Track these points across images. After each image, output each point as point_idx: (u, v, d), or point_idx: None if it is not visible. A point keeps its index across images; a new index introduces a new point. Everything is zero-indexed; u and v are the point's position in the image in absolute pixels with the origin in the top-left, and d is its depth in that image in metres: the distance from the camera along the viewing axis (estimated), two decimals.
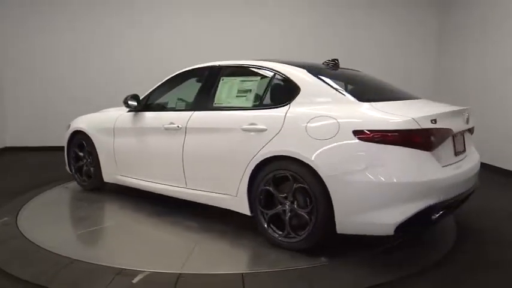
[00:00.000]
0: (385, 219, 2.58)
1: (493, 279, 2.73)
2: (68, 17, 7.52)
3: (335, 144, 2.72)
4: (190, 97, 3.89)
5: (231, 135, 3.26)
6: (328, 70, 3.50)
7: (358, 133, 2.65)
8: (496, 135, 6.09)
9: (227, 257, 3.00)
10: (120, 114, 4.33)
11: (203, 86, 3.76)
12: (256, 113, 3.22)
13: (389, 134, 2.58)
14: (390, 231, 2.57)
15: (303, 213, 2.88)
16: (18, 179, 5.43)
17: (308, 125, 2.86)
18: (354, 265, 2.80)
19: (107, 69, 7.64)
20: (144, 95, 4.20)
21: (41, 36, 7.52)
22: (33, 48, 7.54)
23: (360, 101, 2.89)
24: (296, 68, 3.27)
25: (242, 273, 2.65)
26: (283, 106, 3.08)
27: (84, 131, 4.60)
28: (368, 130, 2.62)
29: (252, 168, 3.10)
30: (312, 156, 2.77)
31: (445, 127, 2.78)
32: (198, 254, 3.01)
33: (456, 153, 3.00)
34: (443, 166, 2.75)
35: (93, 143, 4.52)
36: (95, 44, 7.62)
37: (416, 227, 2.78)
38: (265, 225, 3.09)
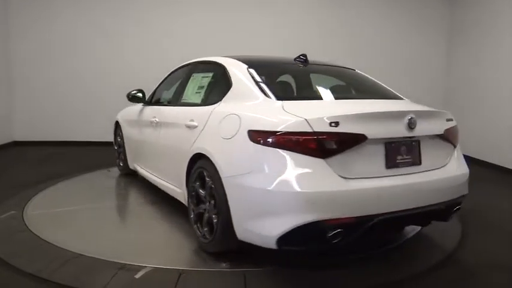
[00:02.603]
0: (266, 230, 2.36)
1: (497, 281, 2.71)
2: (76, 13, 7.54)
3: (233, 144, 2.60)
4: (173, 93, 4.12)
5: (180, 131, 3.36)
6: (287, 66, 3.45)
7: (250, 133, 2.48)
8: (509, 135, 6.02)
9: (229, 254, 3.00)
10: (137, 108, 4.64)
11: (180, 83, 3.93)
12: (197, 109, 3.29)
13: (276, 136, 2.34)
14: (272, 244, 2.35)
15: (212, 214, 2.77)
16: (25, 173, 5.48)
17: (220, 123, 2.82)
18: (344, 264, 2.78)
19: (116, 64, 7.65)
20: (152, 90, 4.52)
21: (48, 32, 7.55)
22: (40, 44, 7.57)
23: (277, 99, 2.69)
24: (238, 63, 3.19)
25: (244, 271, 2.64)
26: (216, 103, 3.07)
27: (119, 122, 5.16)
28: (258, 131, 2.44)
29: (187, 164, 3.11)
30: (216, 156, 2.71)
31: (350, 131, 2.34)
32: (200, 251, 3.01)
33: (391, 165, 2.50)
34: (350, 178, 2.33)
35: (122, 132, 5.05)
36: (102, 39, 7.63)
37: (308, 244, 2.43)
38: (193, 222, 3.07)
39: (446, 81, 7.84)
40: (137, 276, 2.55)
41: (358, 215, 2.31)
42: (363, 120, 2.42)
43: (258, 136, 2.43)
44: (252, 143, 2.45)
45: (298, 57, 3.40)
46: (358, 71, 3.71)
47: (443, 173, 2.72)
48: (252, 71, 3.04)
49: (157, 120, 3.91)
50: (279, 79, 3.30)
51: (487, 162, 6.39)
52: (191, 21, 7.59)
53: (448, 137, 2.82)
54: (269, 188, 2.31)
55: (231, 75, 3.12)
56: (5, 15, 7.38)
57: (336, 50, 7.56)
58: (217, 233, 2.72)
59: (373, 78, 3.55)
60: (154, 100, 4.42)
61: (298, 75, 3.53)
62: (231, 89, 3.03)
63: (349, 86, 3.48)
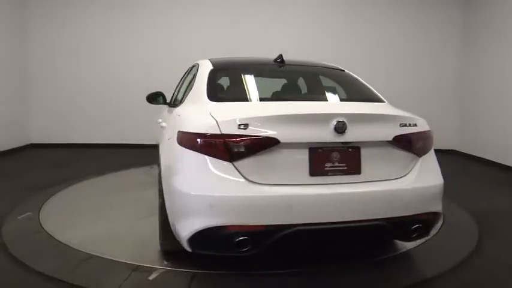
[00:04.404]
0: (180, 231, 2.34)
1: None
2: (89, 15, 7.66)
3: (170, 145, 2.62)
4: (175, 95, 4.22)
5: (160, 131, 3.46)
6: (258, 68, 3.40)
7: (178, 135, 2.49)
8: None
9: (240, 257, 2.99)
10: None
11: (181, 84, 4.02)
12: (170, 110, 3.40)
13: (190, 138, 2.33)
14: (186, 246, 2.33)
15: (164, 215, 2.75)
16: (41, 175, 5.56)
17: (171, 123, 2.89)
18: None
19: (130, 66, 7.72)
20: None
21: (63, 35, 7.69)
22: (55, 47, 7.70)
23: (216, 101, 2.63)
24: (207, 65, 3.14)
25: (258, 274, 2.63)
26: (181, 104, 3.13)
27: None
28: (182, 132, 2.45)
29: (160, 162, 3.18)
30: (161, 156, 2.82)
31: (259, 134, 2.21)
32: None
33: (317, 173, 2.29)
34: (262, 183, 2.20)
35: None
36: (117, 42, 7.73)
37: (217, 249, 2.34)
38: (158, 221, 3.06)
39: (461, 81, 7.69)
40: (151, 278, 2.56)
41: (267, 223, 2.18)
42: (276, 123, 2.26)
43: (180, 138, 2.45)
44: (177, 144, 2.47)
45: (277, 58, 3.23)
46: (347, 71, 3.42)
47: (393, 185, 2.38)
48: (213, 72, 2.98)
49: (160, 121, 4.11)
50: (239, 81, 3.20)
51: (504, 165, 6.26)
52: (205, 22, 7.62)
53: (403, 145, 2.44)
54: (181, 190, 2.30)
55: (197, 77, 3.12)
56: (21, 18, 7.53)
57: (348, 49, 7.51)
58: (161, 231, 2.82)
59: (359, 79, 3.25)
60: (172, 102, 4.43)
61: (265, 76, 3.46)
62: (191, 90, 3.05)
63: (315, 87, 3.37)
